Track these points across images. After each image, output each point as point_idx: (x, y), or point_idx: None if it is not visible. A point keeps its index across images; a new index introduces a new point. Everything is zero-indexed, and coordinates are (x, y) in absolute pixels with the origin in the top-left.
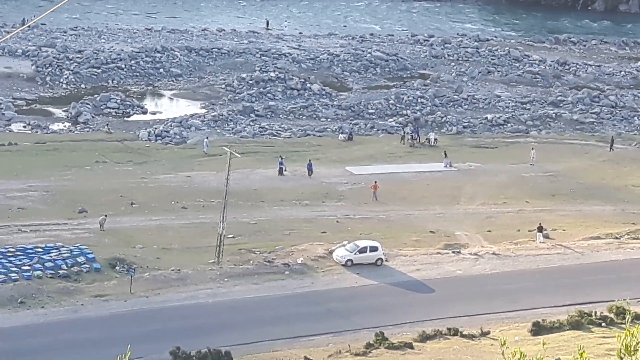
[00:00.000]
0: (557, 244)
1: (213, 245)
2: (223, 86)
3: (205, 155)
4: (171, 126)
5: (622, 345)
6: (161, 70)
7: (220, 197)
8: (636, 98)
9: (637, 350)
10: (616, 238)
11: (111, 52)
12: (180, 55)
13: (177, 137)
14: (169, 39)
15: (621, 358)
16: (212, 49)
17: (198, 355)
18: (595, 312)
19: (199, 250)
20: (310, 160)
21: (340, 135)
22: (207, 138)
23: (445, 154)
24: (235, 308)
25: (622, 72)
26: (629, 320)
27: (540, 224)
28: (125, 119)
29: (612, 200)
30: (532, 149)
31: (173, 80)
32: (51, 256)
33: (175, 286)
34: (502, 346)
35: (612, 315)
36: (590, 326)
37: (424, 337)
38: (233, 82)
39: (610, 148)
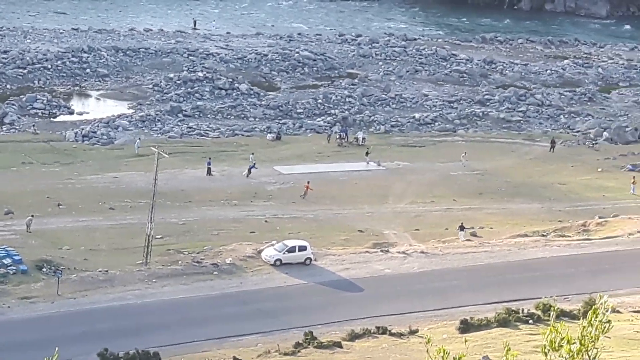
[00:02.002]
0: (484, 242)
1: (141, 246)
2: (150, 86)
3: (133, 156)
4: (98, 127)
5: (547, 341)
6: (88, 70)
7: (148, 198)
8: (562, 96)
9: (562, 346)
10: (543, 236)
11: (37, 52)
12: (107, 55)
13: (105, 137)
14: (95, 39)
15: (546, 354)
16: (139, 48)
17: (126, 357)
18: (523, 310)
19: (126, 251)
20: (254, 163)
21: (269, 135)
22: (139, 139)
23: (367, 153)
24: (164, 309)
25: (548, 71)
26: (554, 316)
27: (462, 222)
28: (51, 119)
29: (538, 198)
30: (465, 153)
31: (100, 81)
32: None
33: (103, 287)
34: (427, 344)
35: (539, 313)
36: (518, 323)
37: (353, 336)
38: (160, 82)
39: (551, 148)
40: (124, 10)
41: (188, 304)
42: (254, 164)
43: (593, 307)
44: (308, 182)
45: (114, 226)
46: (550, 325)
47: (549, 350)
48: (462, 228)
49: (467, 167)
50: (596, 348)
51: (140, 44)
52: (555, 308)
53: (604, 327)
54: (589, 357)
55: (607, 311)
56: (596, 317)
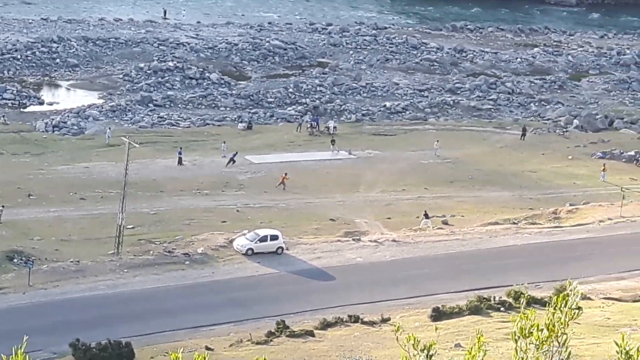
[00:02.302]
0: (456, 230)
1: (112, 236)
2: (121, 76)
3: (104, 146)
4: (68, 117)
5: (517, 328)
6: (58, 60)
7: (119, 188)
8: (532, 84)
9: (532, 333)
10: (514, 223)
11: (6, 42)
12: (77, 45)
13: (75, 127)
14: (65, 29)
15: (516, 341)
16: (109, 38)
17: (98, 347)
18: (494, 297)
19: (98, 241)
20: (236, 152)
21: (240, 124)
22: (109, 128)
23: (332, 142)
24: (136, 299)
25: (518, 59)
26: (524, 303)
27: (425, 210)
28: (21, 110)
29: (509, 186)
30: (438, 141)
31: (70, 71)
32: None
33: (74, 278)
34: (396, 332)
35: (510, 300)
36: (489, 311)
37: (325, 325)
38: (131, 72)
39: (522, 136)
40: (94, 0)
41: (160, 293)
42: (236, 153)
43: (562, 293)
44: (285, 174)
45: (85, 216)
46: (520, 313)
47: (519, 337)
48: (426, 216)
49: (440, 155)
50: (565, 334)
51: (110, 33)
52: (526, 295)
53: (574, 314)
54: (559, 343)
55: (577, 297)
56: (565, 303)
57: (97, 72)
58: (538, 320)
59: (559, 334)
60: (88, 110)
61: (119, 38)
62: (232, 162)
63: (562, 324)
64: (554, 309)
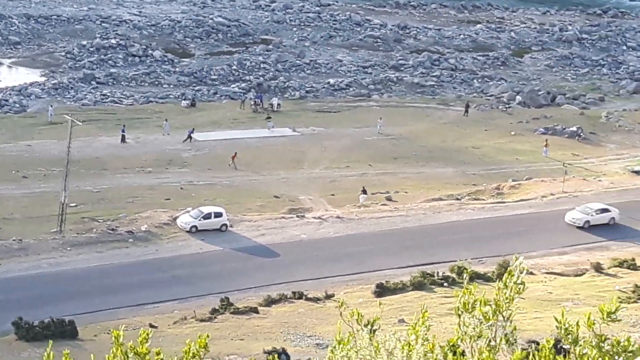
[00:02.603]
0: (400, 206)
1: (55, 215)
2: (63, 54)
3: (46, 124)
4: (10, 95)
5: (460, 303)
6: None
7: (62, 166)
8: (475, 61)
9: (475, 307)
10: (457, 199)
11: None
12: (19, 22)
13: (17, 105)
14: (6, 6)
15: (459, 316)
16: (51, 16)
17: (41, 325)
18: (438, 273)
19: (41, 219)
20: (193, 129)
21: (183, 101)
22: (51, 106)
23: (268, 118)
24: (79, 277)
25: (462, 36)
26: (467, 278)
27: (363, 187)
28: None
29: (452, 162)
30: (381, 118)
31: (12, 49)
32: None
33: (17, 256)
34: (340, 307)
35: (454, 275)
36: (433, 286)
37: (269, 302)
38: (73, 49)
39: (465, 112)
40: None
41: (103, 271)
42: (193, 129)
43: (508, 268)
44: (235, 153)
45: (27, 195)
46: (463, 288)
47: (462, 312)
48: (364, 192)
49: (383, 132)
50: (510, 309)
51: (52, 11)
52: (469, 270)
53: (519, 289)
54: (504, 318)
55: (521, 273)
56: (511, 278)
57: (39, 49)
58: (480, 295)
59: (504, 309)
60: (30, 88)
61: (61, 15)
62: (189, 139)
63: (507, 299)
64: (503, 284)
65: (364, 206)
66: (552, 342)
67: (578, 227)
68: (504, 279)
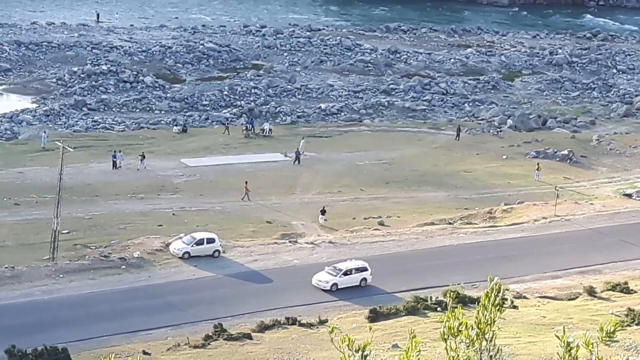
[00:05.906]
0: (392, 231)
1: (47, 242)
2: (54, 80)
3: (38, 151)
4: (2, 122)
5: (446, 327)
6: None
7: (54, 193)
8: (466, 85)
9: (460, 331)
10: (449, 223)
11: None
12: (9, 49)
13: (8, 132)
14: None
15: (445, 340)
16: (42, 42)
17: (34, 353)
18: (431, 297)
19: (33, 246)
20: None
21: (175, 127)
22: (44, 132)
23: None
24: (72, 304)
25: (452, 60)
26: (451, 303)
27: (323, 206)
28: None
29: (444, 186)
30: (303, 138)
31: (2, 75)
32: None
33: (10, 284)
34: (331, 333)
35: (447, 300)
36: (426, 311)
37: (263, 327)
38: (64, 75)
39: (457, 136)
40: (25, 4)
41: (96, 298)
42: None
43: (486, 290)
44: (246, 182)
45: (19, 222)
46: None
47: (448, 336)
48: (322, 212)
49: (368, 153)
50: (492, 331)
51: (42, 37)
52: (454, 295)
53: (498, 309)
54: (487, 340)
55: (499, 293)
56: (489, 300)
57: (30, 76)
58: (467, 319)
59: (486, 332)
60: (21, 115)
61: (51, 42)
62: (115, 166)
63: (487, 321)
64: (482, 307)
65: (324, 227)
66: None
67: (324, 290)
68: (482, 301)
